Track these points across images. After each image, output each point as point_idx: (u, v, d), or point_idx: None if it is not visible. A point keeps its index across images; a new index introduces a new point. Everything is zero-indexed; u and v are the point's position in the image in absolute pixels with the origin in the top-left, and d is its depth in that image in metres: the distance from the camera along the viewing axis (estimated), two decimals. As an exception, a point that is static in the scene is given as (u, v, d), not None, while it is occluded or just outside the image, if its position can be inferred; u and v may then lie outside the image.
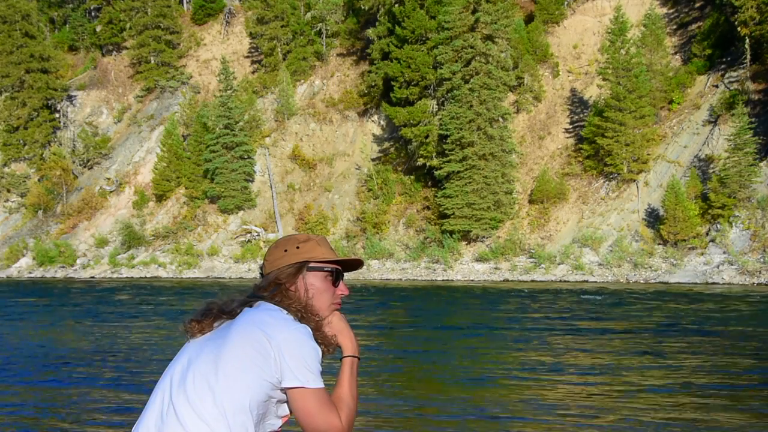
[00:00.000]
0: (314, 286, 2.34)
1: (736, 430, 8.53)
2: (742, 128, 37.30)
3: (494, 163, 43.89)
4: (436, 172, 45.56)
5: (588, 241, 40.80)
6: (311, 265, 2.36)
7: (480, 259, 42.87)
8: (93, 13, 68.43)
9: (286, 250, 2.38)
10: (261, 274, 2.44)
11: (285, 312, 2.24)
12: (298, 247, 2.37)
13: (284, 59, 57.40)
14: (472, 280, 40.60)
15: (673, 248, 38.07)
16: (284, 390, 2.16)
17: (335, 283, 2.39)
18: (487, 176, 43.44)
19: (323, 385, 2.15)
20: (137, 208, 55.59)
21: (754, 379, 11.92)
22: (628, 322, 20.01)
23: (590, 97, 47.18)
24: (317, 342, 2.23)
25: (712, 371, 12.57)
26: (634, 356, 14.31)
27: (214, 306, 2.31)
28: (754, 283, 33.77)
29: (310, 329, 2.22)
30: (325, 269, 2.37)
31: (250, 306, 2.29)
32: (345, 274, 2.46)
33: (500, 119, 44.92)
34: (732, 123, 38.61)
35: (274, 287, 2.32)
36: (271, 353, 2.12)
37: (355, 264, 2.45)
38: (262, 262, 2.45)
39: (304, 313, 2.27)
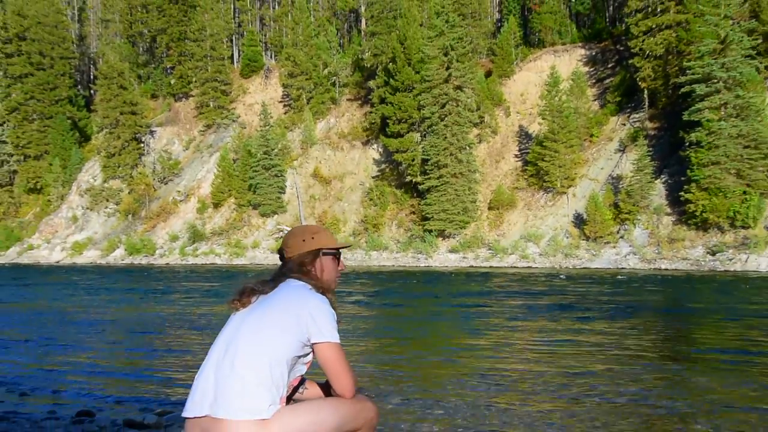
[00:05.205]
0: (326, 266, 2.35)
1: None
2: (642, 155, 37.56)
3: (462, 180, 43.92)
4: (420, 187, 45.61)
5: (532, 238, 40.92)
6: (325, 251, 2.36)
7: (452, 250, 42.94)
8: (169, 71, 68.56)
9: (303, 240, 2.33)
10: (281, 257, 2.38)
11: (309, 287, 2.24)
12: (313, 238, 2.35)
13: (308, 103, 57.47)
14: (447, 266, 40.61)
15: (593, 243, 38.22)
16: (313, 345, 2.13)
17: (338, 262, 2.43)
18: (458, 189, 43.47)
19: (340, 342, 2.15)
20: (200, 213, 55.69)
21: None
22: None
23: (533, 131, 47.26)
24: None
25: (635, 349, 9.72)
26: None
27: (247, 287, 2.28)
28: (651, 268, 33.91)
29: (327, 299, 2.22)
30: (334, 254, 2.40)
31: (281, 283, 2.27)
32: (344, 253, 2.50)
33: (467, 147, 44.92)
34: (635, 151, 38.86)
35: (299, 268, 2.30)
36: (303, 317, 2.11)
37: (347, 246, 2.48)
38: (281, 246, 2.39)
39: (321, 286, 2.27)
